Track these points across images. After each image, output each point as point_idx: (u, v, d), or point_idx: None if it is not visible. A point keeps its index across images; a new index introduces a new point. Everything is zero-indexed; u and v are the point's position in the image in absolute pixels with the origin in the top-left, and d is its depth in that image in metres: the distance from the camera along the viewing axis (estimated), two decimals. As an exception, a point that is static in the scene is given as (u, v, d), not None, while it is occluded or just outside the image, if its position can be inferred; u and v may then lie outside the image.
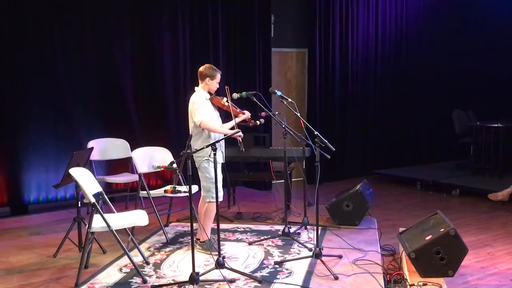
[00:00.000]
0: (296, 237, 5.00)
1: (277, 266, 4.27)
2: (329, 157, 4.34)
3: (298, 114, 4.50)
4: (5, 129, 6.08)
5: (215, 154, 3.99)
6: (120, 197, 6.46)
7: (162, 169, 4.30)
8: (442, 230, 3.99)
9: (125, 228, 4.26)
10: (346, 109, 8.68)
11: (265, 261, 4.41)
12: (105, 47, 6.64)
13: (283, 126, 4.72)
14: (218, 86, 4.67)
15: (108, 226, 3.98)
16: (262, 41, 7.74)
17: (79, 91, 6.50)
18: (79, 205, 4.62)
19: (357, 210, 5.39)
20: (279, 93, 4.68)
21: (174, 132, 7.06)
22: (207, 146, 4.08)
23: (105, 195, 4.24)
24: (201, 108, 4.45)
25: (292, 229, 5.13)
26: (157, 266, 4.32)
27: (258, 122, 4.83)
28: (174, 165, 4.23)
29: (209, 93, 4.63)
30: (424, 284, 3.81)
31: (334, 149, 4.18)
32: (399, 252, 4.63)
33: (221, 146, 4.62)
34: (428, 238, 3.99)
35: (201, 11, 7.25)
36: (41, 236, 5.32)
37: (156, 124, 7.00)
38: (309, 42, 8.29)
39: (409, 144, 9.37)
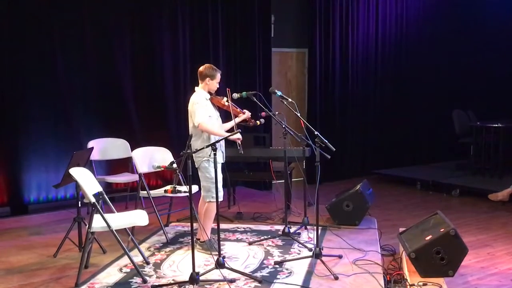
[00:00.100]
0: (296, 237, 5.00)
1: (277, 266, 4.27)
2: (329, 157, 4.34)
3: (298, 114, 4.50)
4: (5, 129, 6.08)
5: (215, 154, 4.00)
6: (120, 197, 6.46)
7: (162, 169, 4.31)
8: (442, 230, 3.99)
9: (125, 228, 4.26)
10: (346, 109, 8.68)
11: (265, 261, 4.41)
12: (105, 47, 6.64)
13: (283, 126, 4.72)
14: (218, 86, 4.67)
15: (108, 226, 3.98)
16: (262, 41, 7.74)
17: (79, 91, 6.50)
18: (79, 205, 4.62)
19: (357, 210, 5.39)
20: (279, 93, 4.68)
21: (174, 132, 7.06)
22: (207, 146, 4.09)
23: (105, 195, 4.24)
24: (200, 109, 4.45)
25: (292, 229, 5.13)
26: (157, 266, 4.32)
27: (258, 122, 4.83)
28: (174, 165, 4.23)
29: (209, 93, 4.63)
30: (424, 284, 3.81)
31: (334, 149, 4.19)
32: (399, 252, 4.63)
33: (221, 146, 4.62)
34: (428, 238, 3.99)
35: (201, 11, 7.25)
36: (41, 236, 5.32)
37: (156, 124, 7.00)
38: (309, 42, 8.29)
39: (409, 144, 9.37)
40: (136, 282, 3.96)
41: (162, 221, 5.18)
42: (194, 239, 4.05)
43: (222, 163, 4.69)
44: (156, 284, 3.89)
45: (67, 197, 6.45)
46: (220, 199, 4.43)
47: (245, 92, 4.74)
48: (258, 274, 4.08)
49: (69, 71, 6.39)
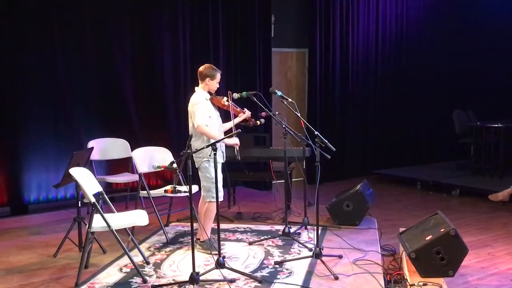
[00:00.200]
0: (296, 237, 5.00)
1: (277, 266, 4.27)
2: (329, 157, 4.35)
3: (298, 114, 4.50)
4: (5, 129, 6.08)
5: (215, 154, 3.99)
6: (120, 197, 6.46)
7: (162, 169, 4.31)
8: (442, 230, 3.99)
9: (125, 228, 4.26)
10: (346, 109, 8.68)
11: (265, 261, 4.41)
12: (105, 47, 6.64)
13: (283, 126, 4.72)
14: (218, 86, 4.66)
15: (108, 226, 3.97)
16: (262, 41, 7.73)
17: (79, 91, 6.50)
18: (79, 205, 4.62)
19: (357, 210, 5.39)
20: (279, 93, 4.68)
21: (174, 132, 7.05)
22: (207, 146, 4.09)
23: (105, 195, 4.24)
24: (200, 110, 4.44)
25: (292, 229, 5.13)
26: (157, 266, 4.32)
27: (258, 122, 4.83)
28: (174, 165, 4.23)
29: (209, 93, 4.63)
30: (424, 284, 3.81)
31: (334, 149, 4.19)
32: (399, 252, 4.63)
33: (221, 146, 4.62)
34: (428, 238, 3.99)
35: (201, 11, 7.25)
36: (41, 236, 5.32)
37: (156, 124, 7.00)
38: (309, 42, 8.29)
39: (409, 144, 9.36)
40: (136, 282, 3.96)
41: (162, 221, 5.18)
42: (194, 239, 4.05)
43: (222, 163, 4.69)
44: (156, 284, 3.89)
45: (67, 197, 6.45)
46: (220, 199, 4.43)
47: (245, 92, 4.74)
48: (258, 274, 4.08)
49: (69, 71, 6.39)
